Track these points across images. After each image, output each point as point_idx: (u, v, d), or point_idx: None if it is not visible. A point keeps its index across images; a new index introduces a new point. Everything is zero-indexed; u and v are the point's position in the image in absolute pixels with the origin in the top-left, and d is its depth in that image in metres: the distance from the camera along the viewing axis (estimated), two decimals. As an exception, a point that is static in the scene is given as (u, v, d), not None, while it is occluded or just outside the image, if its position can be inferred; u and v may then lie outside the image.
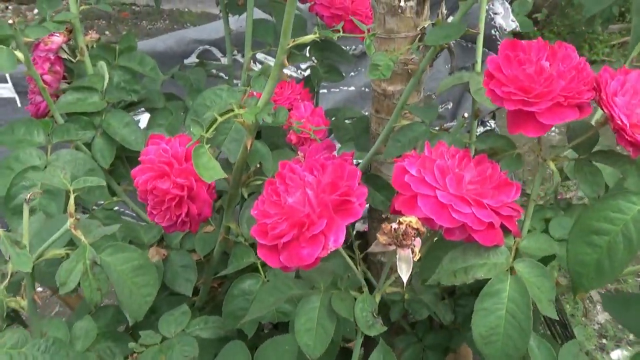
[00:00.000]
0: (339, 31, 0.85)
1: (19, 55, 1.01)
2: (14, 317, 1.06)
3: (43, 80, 1.11)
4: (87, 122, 1.14)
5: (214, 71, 1.54)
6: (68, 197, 0.81)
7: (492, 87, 0.75)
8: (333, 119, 1.33)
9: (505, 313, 0.76)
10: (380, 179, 1.13)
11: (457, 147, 0.83)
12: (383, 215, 1.18)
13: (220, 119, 0.85)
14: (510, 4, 2.28)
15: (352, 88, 2.48)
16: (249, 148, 0.91)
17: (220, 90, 1.07)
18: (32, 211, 0.98)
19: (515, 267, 0.78)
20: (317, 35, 0.83)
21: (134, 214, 1.26)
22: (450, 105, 2.54)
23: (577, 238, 0.78)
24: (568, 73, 0.73)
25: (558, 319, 1.05)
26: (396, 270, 0.74)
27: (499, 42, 1.91)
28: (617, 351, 2.22)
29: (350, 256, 1.08)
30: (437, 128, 1.06)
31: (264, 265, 1.03)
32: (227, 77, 1.48)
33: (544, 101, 0.72)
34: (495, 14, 2.36)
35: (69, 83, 1.19)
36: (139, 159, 0.92)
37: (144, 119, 1.68)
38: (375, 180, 1.13)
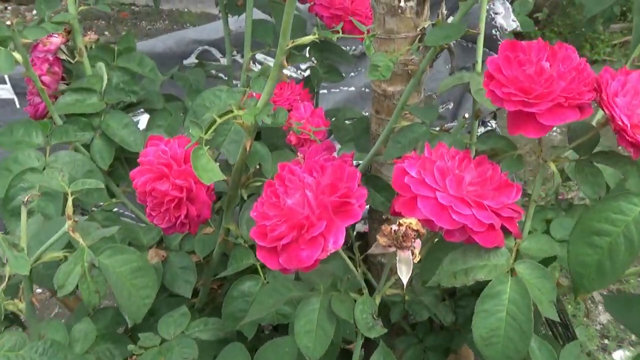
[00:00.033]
0: (339, 32, 0.85)
1: (17, 56, 1.00)
2: (12, 319, 1.06)
3: (41, 82, 1.11)
4: (86, 124, 1.13)
5: (213, 72, 1.53)
6: (66, 199, 0.81)
7: (492, 88, 0.75)
8: (333, 119, 1.33)
9: (505, 315, 0.75)
10: (381, 180, 1.13)
11: (458, 148, 0.82)
12: (383, 217, 1.18)
13: (219, 121, 0.85)
14: (511, 3, 2.28)
15: (352, 88, 2.48)
16: (248, 149, 0.91)
17: (219, 91, 1.06)
18: (30, 213, 0.97)
19: (516, 269, 0.77)
20: (317, 36, 0.83)
21: (134, 215, 1.26)
22: (451, 106, 2.54)
23: (578, 239, 0.78)
24: (568, 74, 0.72)
25: (559, 320, 1.05)
26: (396, 272, 0.74)
27: (499, 42, 1.91)
28: (619, 352, 2.22)
29: (350, 257, 1.08)
30: (437, 129, 1.05)
31: (263, 266, 1.03)
32: (226, 78, 1.47)
33: (544, 102, 0.71)
34: (496, 13, 2.36)
35: (67, 84, 1.19)
36: (138, 160, 0.92)
37: (143, 119, 1.68)
38: (376, 181, 1.12)
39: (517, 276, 0.77)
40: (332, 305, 0.80)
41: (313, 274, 0.83)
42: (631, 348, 2.23)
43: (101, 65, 1.18)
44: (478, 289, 0.77)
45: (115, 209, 1.21)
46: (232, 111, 0.86)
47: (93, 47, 1.21)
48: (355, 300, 0.82)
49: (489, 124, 2.43)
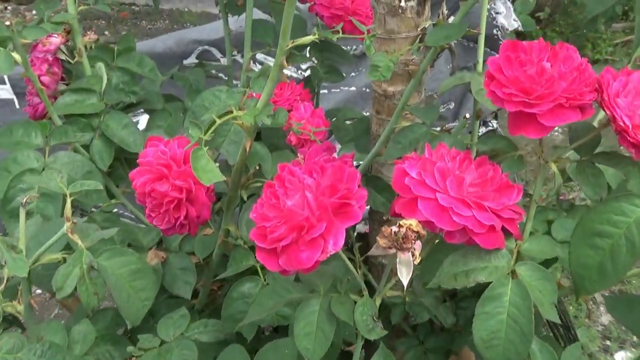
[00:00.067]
0: (339, 32, 0.84)
1: (16, 56, 1.00)
2: (12, 321, 1.05)
3: (41, 82, 1.10)
4: (86, 124, 1.13)
5: (213, 72, 1.53)
6: (65, 201, 0.81)
7: (493, 88, 0.74)
8: (333, 119, 1.33)
9: (506, 317, 0.75)
10: (381, 180, 1.12)
11: (458, 149, 0.82)
12: (384, 217, 1.17)
13: (218, 121, 0.84)
14: (512, 3, 2.27)
15: (353, 88, 2.47)
16: (248, 150, 0.90)
17: (219, 92, 1.06)
18: (29, 214, 0.97)
19: (517, 271, 0.77)
20: (317, 36, 0.83)
21: (133, 216, 1.26)
22: (452, 105, 2.54)
23: (580, 240, 0.77)
24: (569, 74, 0.72)
25: (560, 322, 1.05)
26: (396, 274, 0.73)
27: (501, 42, 1.91)
28: (621, 353, 2.21)
29: (350, 258, 1.08)
30: (438, 129, 1.05)
31: (263, 268, 1.03)
32: (226, 78, 1.47)
33: (545, 103, 0.71)
34: (497, 13, 2.35)
35: (67, 84, 1.19)
36: (137, 161, 0.91)
37: (143, 120, 1.68)
38: (376, 182, 1.12)
39: (518, 278, 0.76)
40: (332, 307, 0.80)
41: (313, 276, 0.82)
42: (633, 349, 2.22)
43: (101, 65, 1.17)
44: (479, 290, 0.77)
45: (115, 210, 1.20)
46: (231, 112, 0.86)
47: (92, 47, 1.21)
48: (355, 302, 0.81)
49: (490, 124, 2.43)
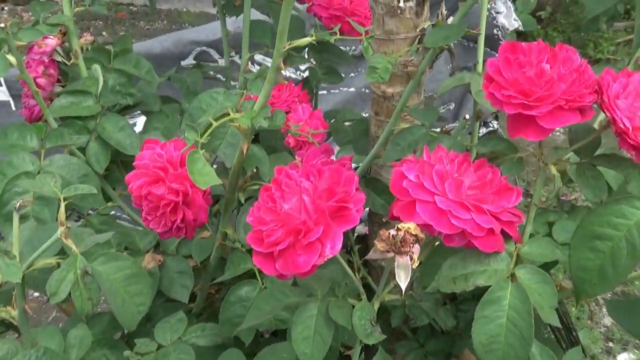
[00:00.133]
0: (336, 33, 0.83)
1: (12, 59, 0.99)
2: (8, 325, 1.04)
3: (37, 84, 1.10)
4: (82, 126, 1.13)
5: (211, 73, 1.53)
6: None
7: (492, 90, 0.73)
8: (332, 121, 1.32)
9: (506, 321, 0.74)
10: (380, 182, 1.12)
11: (457, 151, 0.81)
12: (383, 219, 1.17)
13: (215, 124, 0.83)
14: (513, 2, 2.27)
15: (352, 89, 2.47)
16: (245, 152, 0.90)
17: (216, 94, 1.05)
18: (25, 218, 0.97)
19: (517, 274, 0.76)
20: (314, 37, 0.82)
21: (130, 218, 1.25)
22: (452, 106, 2.53)
23: (580, 243, 0.77)
24: (569, 76, 0.71)
25: (561, 325, 1.04)
26: (395, 277, 0.73)
27: (501, 42, 1.90)
28: (624, 354, 2.20)
29: (349, 261, 1.07)
30: (438, 130, 1.04)
31: (261, 271, 1.02)
32: (224, 79, 1.47)
33: (545, 105, 0.70)
34: (498, 13, 2.35)
35: (63, 86, 1.18)
36: (134, 164, 0.91)
37: (140, 122, 1.67)
38: (375, 184, 1.11)
39: (518, 281, 0.76)
40: (329, 311, 0.79)
41: (310, 280, 0.82)
42: (636, 350, 2.22)
43: (97, 67, 1.17)
44: (479, 293, 0.76)
45: (112, 212, 1.20)
46: (228, 114, 0.85)
47: (89, 48, 1.21)
48: (353, 306, 0.80)
49: (490, 125, 2.43)
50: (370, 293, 0.85)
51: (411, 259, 0.72)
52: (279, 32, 0.77)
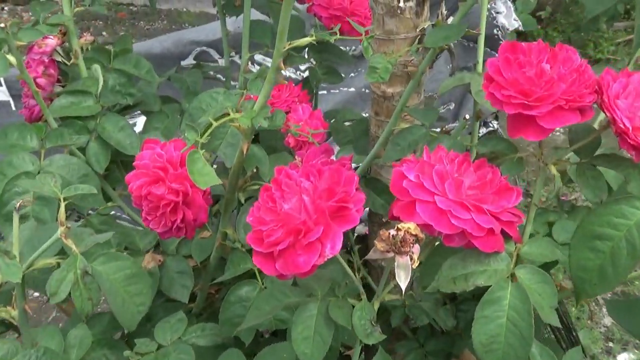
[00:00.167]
0: (336, 33, 0.83)
1: (12, 59, 0.99)
2: (8, 325, 1.04)
3: (37, 84, 1.10)
4: (82, 126, 1.12)
5: (211, 73, 1.52)
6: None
7: (492, 90, 0.73)
8: (332, 121, 1.32)
9: (506, 321, 0.74)
10: (380, 182, 1.12)
11: (457, 151, 0.81)
12: (383, 219, 1.17)
13: (215, 124, 0.83)
14: (513, 2, 2.27)
15: (352, 89, 2.47)
16: (245, 152, 0.90)
17: (216, 94, 1.05)
18: (25, 218, 0.97)
19: (517, 274, 0.76)
20: (314, 37, 0.82)
21: (130, 218, 1.25)
22: (452, 106, 2.53)
23: (580, 243, 0.77)
24: (569, 76, 0.71)
25: (560, 326, 1.04)
26: (395, 277, 0.73)
27: (501, 42, 1.90)
28: (624, 354, 2.20)
29: (349, 261, 1.07)
30: (438, 130, 1.04)
31: (261, 271, 1.02)
32: (224, 79, 1.47)
33: (545, 105, 0.70)
34: (498, 13, 2.35)
35: (63, 86, 1.18)
36: (134, 164, 0.91)
37: (140, 122, 1.67)
38: (375, 184, 1.11)
39: (518, 281, 0.75)
40: (329, 311, 0.79)
41: (310, 280, 0.82)
42: (636, 350, 2.21)
43: (97, 67, 1.17)
44: (479, 293, 0.76)
45: (112, 212, 1.20)
46: (228, 114, 0.85)
47: (89, 48, 1.20)
48: (353, 306, 0.80)
49: (491, 125, 2.43)
50: (370, 293, 0.85)
51: (411, 259, 0.72)
52: (279, 32, 0.77)
